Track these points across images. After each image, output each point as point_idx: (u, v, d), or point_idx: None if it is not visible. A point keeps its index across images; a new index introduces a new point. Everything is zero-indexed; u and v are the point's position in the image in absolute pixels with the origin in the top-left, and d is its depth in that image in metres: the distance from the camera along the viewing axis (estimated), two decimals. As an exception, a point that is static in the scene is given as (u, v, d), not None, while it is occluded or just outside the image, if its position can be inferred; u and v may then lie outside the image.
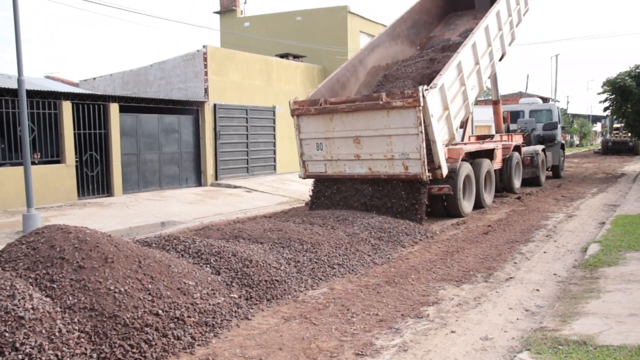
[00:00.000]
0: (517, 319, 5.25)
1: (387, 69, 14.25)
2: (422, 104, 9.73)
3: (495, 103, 17.96)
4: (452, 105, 11.14)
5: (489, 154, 13.85)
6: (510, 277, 6.75)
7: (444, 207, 11.69)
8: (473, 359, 4.32)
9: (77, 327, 4.41)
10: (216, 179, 18.55)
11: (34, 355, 4.12)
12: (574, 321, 4.79)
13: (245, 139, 20.03)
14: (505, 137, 16.81)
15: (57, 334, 4.31)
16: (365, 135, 10.56)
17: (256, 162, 20.57)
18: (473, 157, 12.84)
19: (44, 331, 4.30)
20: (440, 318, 5.27)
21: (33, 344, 4.18)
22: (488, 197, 13.27)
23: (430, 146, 10.19)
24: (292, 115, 11.51)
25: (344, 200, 11.09)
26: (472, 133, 20.24)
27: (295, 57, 23.74)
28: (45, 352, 4.17)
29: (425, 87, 10.01)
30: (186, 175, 18.00)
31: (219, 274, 5.89)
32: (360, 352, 4.47)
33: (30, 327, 4.26)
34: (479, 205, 12.64)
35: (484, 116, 32.40)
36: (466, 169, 11.82)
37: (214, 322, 4.99)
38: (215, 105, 18.51)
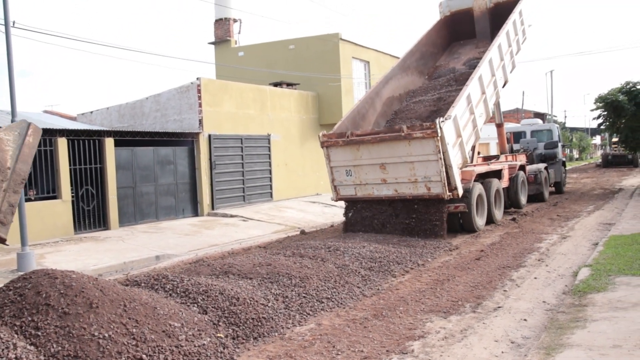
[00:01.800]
0: (502, 352, 5.26)
1: (400, 99, 15.79)
2: (439, 134, 11.02)
3: (499, 126, 19.13)
4: (464, 132, 12.37)
5: (497, 174, 15.12)
6: (499, 307, 6.76)
7: (459, 224, 12.91)
8: (454, 397, 4.33)
9: (60, 376, 4.44)
10: (212, 208, 18.61)
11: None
12: (557, 354, 4.80)
13: (241, 168, 20.14)
14: (510, 158, 18.09)
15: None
16: (390, 162, 11.87)
17: (252, 190, 20.64)
18: (483, 178, 14.00)
19: (27, 382, 4.33)
20: (424, 353, 5.28)
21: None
22: (498, 213, 14.43)
23: (447, 170, 11.38)
24: (322, 147, 12.78)
25: (374, 219, 12.38)
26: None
27: (289, 85, 23.97)
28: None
29: (442, 118, 11.27)
30: (183, 205, 18.07)
31: (205, 313, 5.93)
32: (342, 393, 4.48)
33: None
34: (490, 220, 13.76)
35: (482, 134, 32.54)
36: (478, 188, 13.07)
37: (198, 365, 5.01)
38: (210, 136, 18.65)
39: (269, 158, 21.50)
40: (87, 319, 4.98)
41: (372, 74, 26.78)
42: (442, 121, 11.18)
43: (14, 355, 4.40)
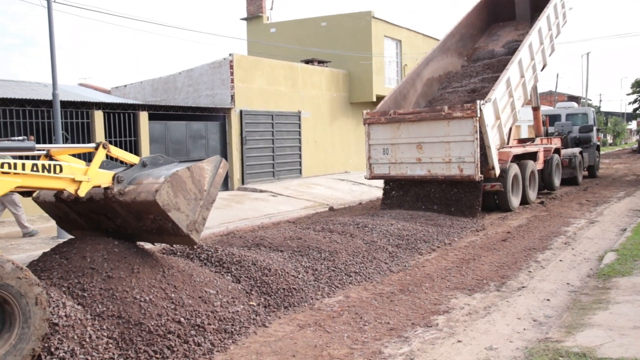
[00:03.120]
0: (524, 329, 5.42)
1: (440, 80, 16.17)
2: (478, 115, 11.47)
3: (535, 109, 19.31)
4: (502, 114, 12.78)
5: (533, 156, 15.42)
6: (523, 287, 6.91)
7: (495, 203, 13.35)
8: (476, 368, 4.53)
9: (105, 334, 4.76)
10: (243, 183, 18.96)
11: (66, 359, 4.50)
12: (578, 333, 4.95)
13: (271, 144, 20.41)
14: (545, 141, 18.24)
15: (87, 339, 4.66)
16: (427, 142, 12.28)
17: (282, 166, 20.92)
18: (519, 159, 14.28)
19: (75, 337, 4.66)
20: (448, 327, 5.48)
21: (66, 348, 4.55)
22: (532, 194, 14.83)
23: (485, 150, 11.91)
24: (364, 124, 13.35)
25: (414, 197, 12.82)
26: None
27: (320, 62, 24.03)
28: (77, 356, 4.53)
29: (482, 101, 11.75)
30: (213, 180, 18.41)
31: (239, 283, 6.20)
32: (368, 360, 4.72)
33: (63, 333, 4.64)
34: (524, 201, 14.15)
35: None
36: (514, 169, 13.46)
37: (232, 330, 5.30)
38: (241, 112, 18.92)
39: (299, 135, 21.71)
40: (129, 282, 5.29)
41: (404, 53, 26.64)
42: (483, 103, 11.67)
43: (64, 313, 4.72)
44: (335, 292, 6.78)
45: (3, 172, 4.83)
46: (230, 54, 18.81)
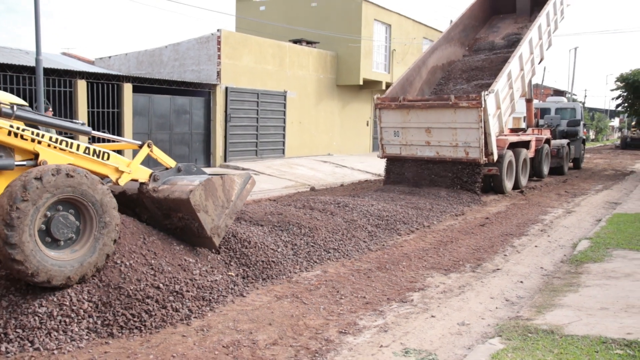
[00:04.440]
0: (497, 307, 5.56)
1: (442, 68, 17.01)
2: (483, 105, 12.31)
3: (528, 101, 20.16)
4: (502, 104, 13.71)
5: (526, 144, 16.33)
6: (498, 269, 7.05)
7: (490, 185, 14.29)
8: (447, 342, 4.65)
9: (85, 297, 4.79)
10: (225, 160, 18.92)
11: (44, 320, 4.53)
12: (547, 312, 5.09)
13: (255, 122, 20.36)
14: (536, 131, 19.15)
15: (67, 302, 4.70)
16: (435, 127, 13.18)
17: (265, 145, 20.91)
18: (514, 147, 15.16)
19: (55, 299, 4.69)
20: (423, 303, 5.60)
21: (44, 310, 4.59)
22: (524, 180, 15.80)
23: (486, 137, 12.68)
24: (375, 108, 14.18)
25: (413, 176, 13.84)
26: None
27: (309, 43, 23.94)
28: (55, 318, 4.57)
29: (486, 92, 12.58)
30: (196, 155, 18.39)
31: (218, 253, 6.25)
32: (343, 331, 4.81)
33: (42, 295, 4.68)
34: (516, 186, 15.14)
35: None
36: (510, 155, 14.39)
37: (210, 297, 5.36)
38: (227, 88, 18.82)
39: (284, 115, 21.69)
40: (109, 248, 5.31)
41: (393, 37, 26.64)
42: (487, 94, 12.48)
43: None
44: (313, 267, 6.86)
45: (61, 149, 5.32)
46: (218, 30, 18.65)
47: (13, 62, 14.08)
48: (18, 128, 5.07)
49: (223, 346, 4.48)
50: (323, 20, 24.91)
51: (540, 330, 4.58)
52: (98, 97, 15.46)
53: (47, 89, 13.93)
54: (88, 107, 15.18)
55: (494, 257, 7.72)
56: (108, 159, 5.74)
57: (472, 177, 13.19)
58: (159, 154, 6.47)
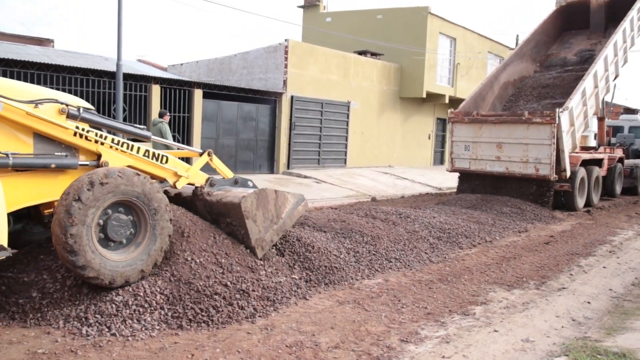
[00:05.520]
0: (562, 326, 5.44)
1: (514, 84, 17.17)
2: (557, 122, 12.42)
3: (600, 119, 19.86)
4: (576, 121, 13.72)
5: (598, 162, 16.26)
6: (563, 288, 6.88)
7: (562, 202, 14.19)
8: (511, 358, 4.60)
9: (158, 289, 5.03)
10: (288, 167, 19.22)
11: (120, 308, 4.79)
12: (618, 335, 4.95)
13: (318, 132, 20.60)
14: (608, 150, 18.81)
15: (141, 293, 4.95)
16: (506, 142, 13.33)
17: (327, 154, 21.10)
18: (586, 164, 15.14)
19: (130, 289, 4.95)
20: (485, 317, 5.54)
21: (120, 299, 4.86)
22: (595, 198, 15.62)
23: (559, 154, 12.78)
24: (448, 122, 14.41)
25: (481, 190, 13.97)
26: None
27: (373, 54, 24.04)
28: (129, 307, 4.82)
29: (560, 109, 12.65)
30: (260, 162, 18.78)
31: (283, 256, 6.40)
32: (404, 339, 4.84)
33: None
34: (588, 203, 14.94)
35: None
36: (582, 172, 14.37)
37: (275, 298, 5.49)
38: (292, 97, 19.15)
39: (347, 125, 21.84)
40: (180, 245, 5.55)
41: (458, 51, 26.40)
42: (561, 111, 12.57)
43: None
44: (374, 275, 6.91)
45: (122, 151, 5.58)
46: (285, 40, 19.04)
47: (95, 67, 14.84)
48: (83, 129, 5.31)
49: (286, 346, 4.59)
50: (388, 32, 24.98)
51: (611, 352, 4.46)
52: (170, 102, 16.07)
53: (124, 92, 14.59)
54: (160, 111, 15.80)
55: (559, 275, 7.53)
56: (166, 162, 5.99)
57: (541, 194, 13.19)
58: (218, 164, 6.73)
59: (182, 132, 16.44)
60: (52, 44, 23.06)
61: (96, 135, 5.41)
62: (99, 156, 5.45)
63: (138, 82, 15.40)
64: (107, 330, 4.61)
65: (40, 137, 5.14)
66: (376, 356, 4.47)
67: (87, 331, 4.57)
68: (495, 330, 5.18)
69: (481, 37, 28.34)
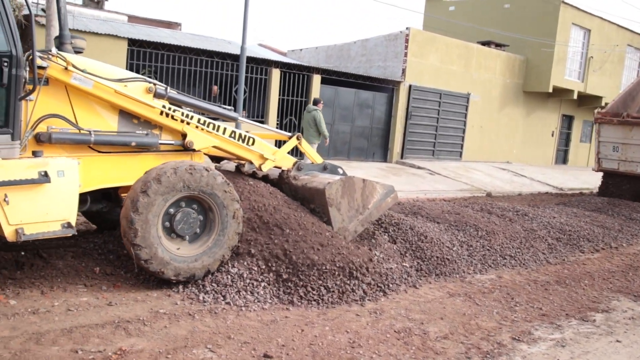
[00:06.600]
0: (696, 344, 5.00)
1: None
2: None
3: None
4: None
5: None
6: (699, 303, 6.31)
7: None
8: (634, 370, 4.31)
9: (273, 268, 5.20)
10: (401, 157, 19.09)
11: (235, 280, 5.05)
12: None
13: (435, 122, 20.23)
14: None
15: (255, 268, 5.18)
16: None
17: (443, 146, 20.69)
18: None
19: (246, 263, 5.20)
20: (607, 326, 5.22)
21: (236, 271, 5.11)
22: None
23: None
24: (595, 123, 14.26)
25: (631, 192, 13.61)
26: None
27: (498, 45, 23.12)
28: (244, 279, 5.07)
29: None
30: (373, 149, 18.81)
31: (394, 243, 6.40)
32: (517, 338, 4.68)
33: (238, 258, 5.23)
34: None
35: None
36: None
37: (385, 284, 5.52)
38: (410, 86, 18.94)
39: (465, 117, 21.26)
40: (293, 225, 5.69)
41: (592, 43, 24.70)
42: None
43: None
44: (487, 271, 6.73)
45: (207, 131, 5.60)
46: (407, 28, 18.83)
47: (219, 49, 15.56)
48: (169, 108, 5.32)
49: (395, 331, 4.61)
50: (515, 22, 23.86)
51: None
52: (289, 86, 16.50)
53: (245, 75, 15.19)
54: (279, 95, 16.27)
55: (695, 290, 6.91)
56: (253, 144, 5.91)
57: None
58: (307, 148, 6.59)
59: (298, 117, 16.83)
60: (179, 27, 24.38)
61: (182, 114, 5.40)
62: (184, 136, 5.44)
63: (259, 66, 15.94)
64: (222, 298, 4.87)
65: (125, 116, 5.20)
66: (486, 351, 4.37)
67: (203, 297, 4.86)
68: (617, 341, 4.86)
69: (620, 28, 26.27)
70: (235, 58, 14.85)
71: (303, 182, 6.08)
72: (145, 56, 14.14)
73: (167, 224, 4.90)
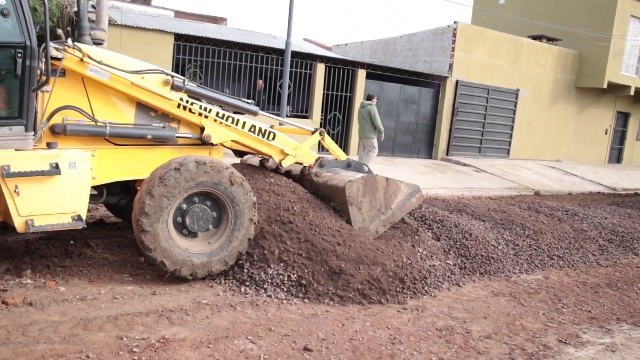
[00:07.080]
0: None
1: None
2: None
3: None
4: None
5: None
6: None
7: None
8: (690, 378, 4.12)
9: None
10: (447, 154, 18.81)
11: (273, 277, 5.05)
12: None
13: (482, 119, 19.83)
14: None
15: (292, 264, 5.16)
16: None
17: (489, 143, 20.27)
18: None
19: (282, 264, 5.19)
20: (661, 331, 5.01)
21: (271, 272, 5.11)
22: None
23: None
24: None
25: None
26: None
27: (549, 39, 22.45)
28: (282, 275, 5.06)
29: None
30: (418, 146, 18.59)
31: (438, 240, 6.30)
32: (563, 340, 4.54)
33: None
34: None
35: None
36: None
37: (427, 281, 5.44)
38: (457, 82, 18.62)
39: (513, 114, 20.76)
40: (332, 222, 5.68)
41: (651, 37, 23.71)
42: None
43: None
44: (534, 271, 6.56)
45: (226, 125, 5.50)
46: (455, 22, 18.49)
47: (264, 44, 15.65)
48: (187, 101, 5.22)
49: (436, 329, 4.54)
50: (568, 15, 23.13)
51: None
52: (334, 81, 16.46)
53: (290, 69, 15.23)
54: (324, 89, 16.25)
55: None
56: (273, 139, 5.77)
57: None
58: (330, 144, 6.40)
59: (343, 112, 16.78)
60: (225, 22, 24.63)
61: (200, 107, 5.31)
62: (202, 129, 5.35)
63: (304, 60, 15.95)
64: (263, 291, 4.90)
65: (142, 108, 5.14)
66: (530, 352, 4.25)
67: (245, 290, 4.90)
68: (671, 347, 4.66)
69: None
70: (280, 52, 14.91)
71: (324, 180, 5.94)
72: (191, 51, 14.34)
73: (179, 218, 4.86)
